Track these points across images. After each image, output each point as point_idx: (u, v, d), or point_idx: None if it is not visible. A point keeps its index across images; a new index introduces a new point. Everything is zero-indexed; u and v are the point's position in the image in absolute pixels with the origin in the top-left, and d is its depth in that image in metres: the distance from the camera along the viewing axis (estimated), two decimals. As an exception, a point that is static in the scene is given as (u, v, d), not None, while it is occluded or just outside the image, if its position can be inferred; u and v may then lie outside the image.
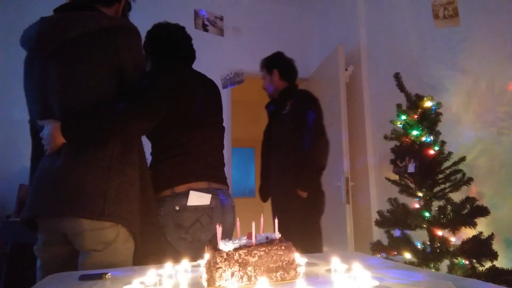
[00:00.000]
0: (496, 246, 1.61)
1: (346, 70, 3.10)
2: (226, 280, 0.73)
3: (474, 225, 1.62)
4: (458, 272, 1.62)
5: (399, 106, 1.99)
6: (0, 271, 2.24)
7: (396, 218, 1.87)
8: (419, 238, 1.79)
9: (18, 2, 2.93)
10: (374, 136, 2.94)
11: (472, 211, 1.67)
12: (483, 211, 1.64)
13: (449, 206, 1.74)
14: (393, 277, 0.76)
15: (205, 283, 0.74)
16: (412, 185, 1.87)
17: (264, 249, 0.76)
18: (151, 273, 0.76)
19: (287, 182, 2.14)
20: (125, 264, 1.07)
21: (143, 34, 1.32)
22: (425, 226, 1.75)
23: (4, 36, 2.78)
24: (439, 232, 1.72)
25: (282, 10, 3.89)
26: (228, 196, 1.42)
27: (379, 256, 1.87)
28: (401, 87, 1.95)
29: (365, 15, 3.14)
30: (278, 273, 0.76)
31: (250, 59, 2.56)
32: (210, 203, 1.30)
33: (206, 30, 2.67)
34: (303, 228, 2.06)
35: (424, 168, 1.78)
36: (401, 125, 1.96)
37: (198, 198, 1.28)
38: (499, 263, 1.58)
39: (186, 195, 1.27)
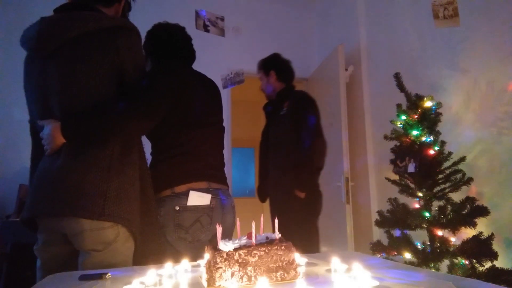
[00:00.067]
0: (496, 246, 1.61)
1: (346, 70, 3.10)
2: (226, 280, 0.73)
3: (474, 225, 1.62)
4: (458, 272, 1.62)
5: (399, 106, 1.99)
6: (0, 271, 2.24)
7: (396, 218, 1.87)
8: (419, 238, 1.79)
9: (18, 2, 2.93)
10: (374, 136, 2.94)
11: (472, 211, 1.67)
12: (483, 211, 1.64)
13: (449, 206, 1.74)
14: (393, 277, 0.76)
15: (205, 283, 0.74)
16: (412, 185, 1.87)
17: (264, 249, 0.76)
18: (151, 273, 0.76)
19: (285, 182, 2.15)
20: (125, 264, 1.07)
21: (143, 34, 1.32)
22: (425, 226, 1.75)
23: (4, 36, 2.78)
24: (439, 232, 1.72)
25: (282, 10, 3.89)
26: (228, 196, 1.42)
27: (379, 256, 1.87)
28: (401, 87, 1.95)
29: (365, 15, 3.14)
30: (278, 273, 0.76)
31: (250, 59, 2.56)
32: (210, 203, 1.30)
33: (207, 31, 2.67)
34: (300, 228, 2.06)
35: (424, 168, 1.78)
36: (401, 125, 1.96)
37: (198, 198, 1.28)
38: (499, 263, 1.58)
39: (186, 195, 1.27)
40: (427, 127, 1.85)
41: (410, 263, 1.70)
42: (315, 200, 2.18)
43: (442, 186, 1.79)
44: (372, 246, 1.94)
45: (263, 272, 0.75)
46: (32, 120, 1.21)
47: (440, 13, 1.88)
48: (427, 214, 1.76)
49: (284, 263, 0.77)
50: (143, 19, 1.51)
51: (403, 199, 1.93)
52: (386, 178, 2.03)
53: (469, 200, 1.70)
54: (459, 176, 1.76)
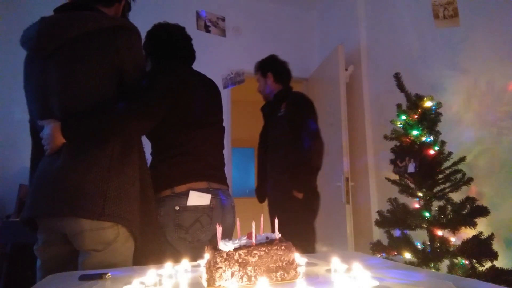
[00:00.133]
0: (496, 246, 1.62)
1: (346, 70, 3.10)
2: (226, 280, 0.73)
3: (474, 225, 1.62)
4: (458, 272, 1.62)
5: (399, 106, 1.99)
6: (0, 271, 2.24)
7: (396, 218, 1.87)
8: (419, 238, 1.79)
9: (18, 2, 2.93)
10: (374, 136, 2.94)
11: (472, 211, 1.67)
12: (483, 211, 1.64)
13: (449, 206, 1.74)
14: (393, 277, 0.76)
15: (205, 283, 0.74)
16: (412, 185, 1.87)
17: (264, 249, 0.76)
18: (151, 273, 0.76)
19: (284, 183, 2.15)
20: (125, 264, 1.07)
21: (143, 34, 1.32)
22: (425, 226, 1.75)
23: (4, 36, 2.78)
24: (439, 232, 1.72)
25: (282, 10, 3.89)
26: (228, 196, 1.42)
27: (379, 256, 1.87)
28: (401, 87, 1.95)
29: (365, 15, 3.14)
30: (278, 273, 0.76)
31: (250, 59, 2.56)
32: (210, 203, 1.30)
33: (208, 31, 2.67)
34: (298, 228, 2.06)
35: (424, 168, 1.78)
36: (401, 125, 1.96)
37: (198, 198, 1.28)
38: (499, 263, 1.58)
39: (186, 195, 1.27)
40: (427, 127, 1.85)
41: (410, 263, 1.70)
42: (313, 201, 2.19)
43: (442, 186, 1.79)
44: (372, 246, 1.94)
45: (263, 272, 0.75)
46: (32, 120, 1.21)
47: (440, 13, 1.88)
48: (427, 214, 1.76)
49: (284, 263, 0.77)
50: (143, 19, 1.51)
51: (403, 199, 1.93)
52: (386, 178, 2.03)
53: (469, 200, 1.70)
54: (459, 176, 1.76)
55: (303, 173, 2.09)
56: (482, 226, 1.67)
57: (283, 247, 0.78)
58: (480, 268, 1.57)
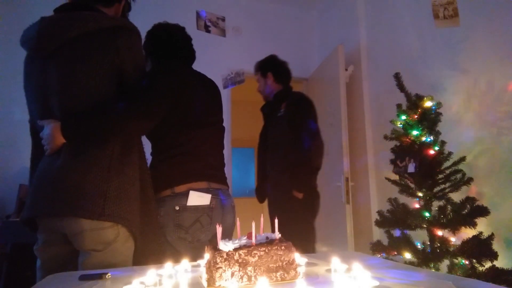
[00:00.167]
0: (496, 246, 1.62)
1: (346, 70, 3.10)
2: (226, 280, 0.73)
3: (474, 225, 1.62)
4: (458, 272, 1.62)
5: (399, 106, 1.99)
6: (0, 271, 2.24)
7: (396, 218, 1.87)
8: (419, 238, 1.79)
9: (18, 2, 2.93)
10: (374, 136, 2.94)
11: (472, 211, 1.67)
12: (483, 211, 1.64)
13: (449, 206, 1.74)
14: (393, 277, 0.76)
15: (205, 283, 0.74)
16: (412, 185, 1.87)
17: (264, 249, 0.76)
18: (151, 273, 0.76)
19: (284, 183, 2.15)
20: (125, 264, 1.07)
21: (143, 34, 1.32)
22: (425, 226, 1.75)
23: (4, 36, 2.78)
24: (439, 232, 1.72)
25: (282, 10, 3.89)
26: (228, 196, 1.42)
27: (379, 256, 1.87)
28: (401, 87, 1.95)
29: (365, 15, 3.14)
30: (278, 273, 0.76)
31: (250, 59, 2.56)
32: (210, 203, 1.30)
33: (208, 31, 2.67)
34: (298, 228, 2.06)
35: (424, 168, 1.78)
36: (401, 125, 1.96)
37: (198, 198, 1.28)
38: (499, 263, 1.58)
39: (186, 195, 1.27)
40: (427, 127, 1.85)
41: (410, 263, 1.70)
42: (312, 201, 2.18)
43: (442, 186, 1.79)
44: (372, 246, 1.94)
45: (263, 272, 0.75)
46: (32, 120, 1.21)
47: (440, 13, 1.88)
48: (427, 214, 1.76)
49: (284, 263, 0.77)
50: (143, 19, 1.51)
51: (403, 199, 1.93)
52: (386, 178, 2.03)
53: (469, 200, 1.70)
54: (459, 176, 1.76)
55: (303, 173, 2.09)
56: (482, 226, 1.68)
57: (283, 247, 0.78)
58: (480, 268, 1.57)
